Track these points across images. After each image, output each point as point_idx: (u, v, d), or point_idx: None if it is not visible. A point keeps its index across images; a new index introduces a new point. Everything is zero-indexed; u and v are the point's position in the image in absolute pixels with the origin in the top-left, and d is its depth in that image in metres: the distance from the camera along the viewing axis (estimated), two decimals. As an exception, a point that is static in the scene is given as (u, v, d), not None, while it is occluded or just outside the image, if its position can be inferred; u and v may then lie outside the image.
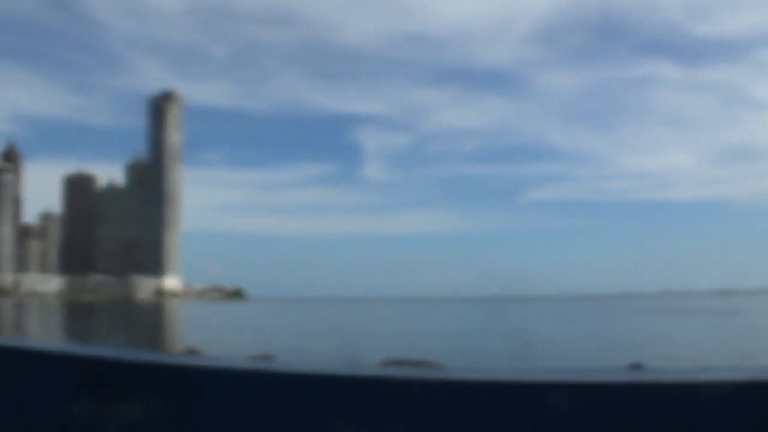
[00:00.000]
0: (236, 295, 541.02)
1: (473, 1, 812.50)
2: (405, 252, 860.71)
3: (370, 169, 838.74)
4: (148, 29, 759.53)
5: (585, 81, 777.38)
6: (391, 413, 5.61)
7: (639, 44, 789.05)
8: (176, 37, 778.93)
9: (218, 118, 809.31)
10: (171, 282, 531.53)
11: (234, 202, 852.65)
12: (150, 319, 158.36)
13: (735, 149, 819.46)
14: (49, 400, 7.97)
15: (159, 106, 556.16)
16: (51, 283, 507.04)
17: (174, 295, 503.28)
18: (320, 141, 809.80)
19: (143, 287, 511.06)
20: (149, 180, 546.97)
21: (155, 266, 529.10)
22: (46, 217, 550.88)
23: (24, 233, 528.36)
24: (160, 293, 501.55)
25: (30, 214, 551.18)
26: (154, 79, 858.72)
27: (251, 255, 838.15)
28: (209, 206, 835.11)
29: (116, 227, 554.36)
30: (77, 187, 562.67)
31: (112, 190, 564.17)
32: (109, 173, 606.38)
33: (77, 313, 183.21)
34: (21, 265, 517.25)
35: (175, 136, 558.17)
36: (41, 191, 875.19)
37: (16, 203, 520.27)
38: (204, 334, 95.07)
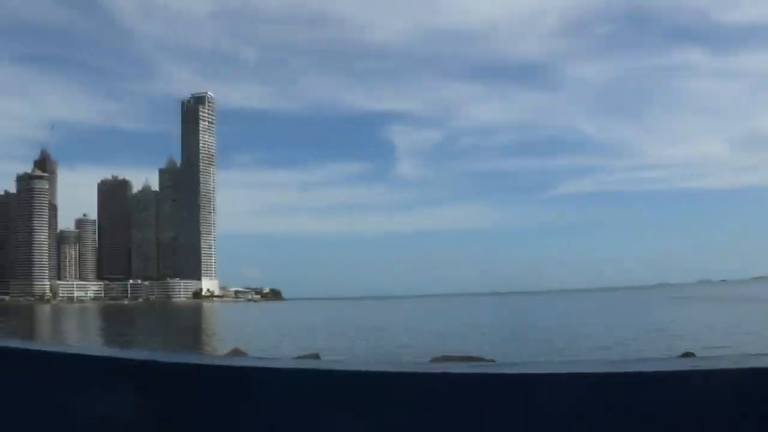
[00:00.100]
0: (273, 295, 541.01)
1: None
2: (439, 248, 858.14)
3: (403, 166, 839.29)
4: (178, 34, 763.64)
5: (615, 71, 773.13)
6: (445, 409, 5.40)
7: (668, 33, 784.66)
8: (205, 40, 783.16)
9: (250, 120, 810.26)
10: (208, 284, 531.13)
11: (268, 203, 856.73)
12: (189, 322, 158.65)
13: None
14: (96, 404, 8.60)
15: (191, 110, 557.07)
16: (88, 289, 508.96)
17: (211, 297, 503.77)
18: (352, 140, 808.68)
19: (180, 290, 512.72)
20: (184, 183, 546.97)
21: (192, 269, 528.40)
22: (81, 224, 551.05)
23: (60, 240, 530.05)
24: (198, 296, 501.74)
25: (66, 221, 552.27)
26: (185, 83, 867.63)
27: (287, 256, 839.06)
28: (244, 208, 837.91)
29: (152, 231, 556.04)
30: (112, 193, 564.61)
31: (146, 195, 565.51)
32: (144, 178, 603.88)
33: (116, 318, 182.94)
34: (58, 271, 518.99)
35: (208, 139, 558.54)
36: (76, 198, 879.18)
37: (52, 210, 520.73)
38: (245, 335, 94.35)
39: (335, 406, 5.98)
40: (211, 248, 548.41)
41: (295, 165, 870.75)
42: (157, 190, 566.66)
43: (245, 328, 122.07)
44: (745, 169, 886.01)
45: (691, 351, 38.80)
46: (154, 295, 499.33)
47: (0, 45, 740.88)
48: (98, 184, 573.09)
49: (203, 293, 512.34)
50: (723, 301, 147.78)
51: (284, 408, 6.25)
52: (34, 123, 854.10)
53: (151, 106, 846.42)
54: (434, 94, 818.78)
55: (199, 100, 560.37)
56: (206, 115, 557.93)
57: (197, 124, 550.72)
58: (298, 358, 30.22)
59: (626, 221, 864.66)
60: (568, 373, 5.26)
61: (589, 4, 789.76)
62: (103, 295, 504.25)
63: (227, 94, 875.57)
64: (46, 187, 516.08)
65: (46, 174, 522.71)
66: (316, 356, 37.55)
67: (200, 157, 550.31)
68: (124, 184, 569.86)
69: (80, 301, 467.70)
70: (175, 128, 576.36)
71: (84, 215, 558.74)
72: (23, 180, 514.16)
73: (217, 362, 7.38)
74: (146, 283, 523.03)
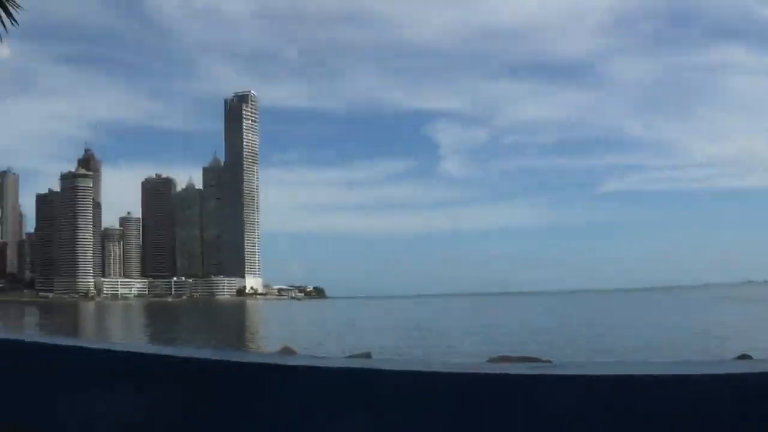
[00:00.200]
0: (316, 293, 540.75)
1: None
2: (484, 247, 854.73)
3: (447, 164, 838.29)
4: (220, 33, 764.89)
5: (658, 69, 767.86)
6: (501, 411, 5.54)
7: (710, 30, 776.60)
8: (248, 39, 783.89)
9: (294, 118, 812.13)
10: (252, 282, 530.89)
11: (312, 201, 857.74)
12: (234, 319, 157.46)
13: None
14: (148, 402, 8.64)
15: (234, 108, 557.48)
16: (132, 286, 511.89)
17: (255, 295, 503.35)
18: (397, 138, 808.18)
19: (224, 288, 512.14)
20: (227, 182, 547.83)
21: (236, 267, 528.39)
22: (126, 221, 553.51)
23: (105, 237, 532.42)
24: (241, 293, 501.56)
25: (110, 219, 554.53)
26: (227, 81, 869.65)
27: (330, 254, 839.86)
28: (288, 206, 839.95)
29: (196, 229, 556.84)
30: (156, 191, 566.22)
31: (190, 193, 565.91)
32: (188, 176, 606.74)
33: (160, 315, 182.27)
34: (102, 269, 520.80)
35: (251, 137, 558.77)
36: (120, 196, 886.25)
37: (96, 208, 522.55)
38: (292, 333, 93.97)
39: (390, 407, 6.27)
40: (254, 246, 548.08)
41: (339, 163, 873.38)
42: (201, 188, 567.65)
43: (291, 326, 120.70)
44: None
45: (747, 353, 35.76)
46: (198, 292, 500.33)
47: (45, 46, 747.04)
48: (142, 183, 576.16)
49: (247, 291, 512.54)
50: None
51: (338, 408, 6.73)
52: (78, 122, 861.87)
53: (195, 105, 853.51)
54: (478, 92, 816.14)
55: (242, 98, 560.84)
56: (249, 113, 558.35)
57: (240, 123, 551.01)
58: (350, 357, 29.64)
59: (669, 220, 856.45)
60: (628, 375, 5.29)
61: (633, 1, 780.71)
62: (147, 292, 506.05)
63: (270, 92, 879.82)
64: (90, 185, 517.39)
65: (90, 172, 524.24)
66: (368, 355, 35.47)
67: (244, 155, 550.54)
68: (168, 183, 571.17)
69: (124, 298, 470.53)
70: (218, 126, 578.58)
71: (128, 213, 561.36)
72: (67, 178, 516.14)
73: (270, 361, 7.98)
74: (190, 280, 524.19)
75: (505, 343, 63.12)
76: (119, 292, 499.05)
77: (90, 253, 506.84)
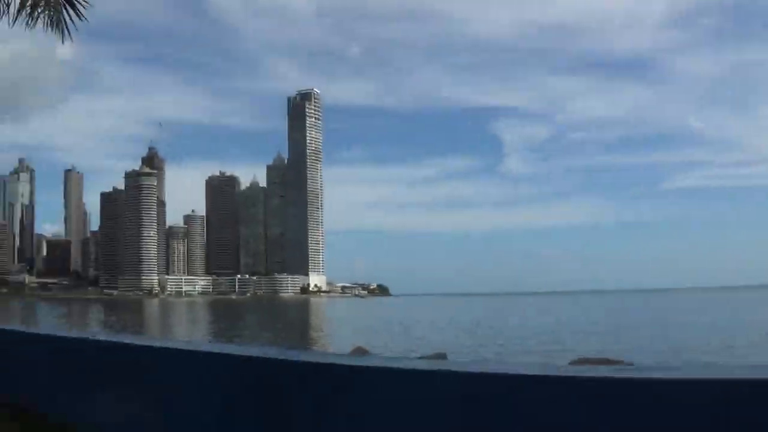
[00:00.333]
0: (380, 291, 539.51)
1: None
2: (547, 244, 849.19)
3: (511, 161, 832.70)
4: (283, 32, 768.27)
5: (722, 64, 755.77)
6: (585, 416, 5.51)
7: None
8: (310, 37, 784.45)
9: (357, 115, 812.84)
10: (315, 280, 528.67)
11: (375, 199, 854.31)
12: (301, 317, 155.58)
13: None
14: (218, 403, 9.08)
15: (298, 106, 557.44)
16: (196, 283, 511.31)
17: (318, 292, 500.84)
18: (460, 135, 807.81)
19: (288, 285, 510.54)
20: (291, 180, 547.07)
21: (299, 265, 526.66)
22: (190, 219, 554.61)
23: (169, 235, 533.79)
24: (305, 291, 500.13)
25: (174, 217, 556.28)
26: (291, 80, 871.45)
27: (394, 251, 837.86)
28: (351, 204, 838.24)
29: (260, 227, 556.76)
30: (220, 189, 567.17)
31: (254, 191, 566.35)
32: (251, 174, 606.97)
33: (225, 312, 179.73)
34: (167, 266, 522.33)
35: (315, 135, 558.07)
36: (185, 194, 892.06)
37: (160, 206, 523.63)
38: (360, 332, 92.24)
39: (468, 410, 6.27)
40: (318, 244, 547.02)
41: (402, 161, 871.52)
42: (265, 186, 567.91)
43: (358, 324, 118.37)
44: None
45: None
46: (261, 290, 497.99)
47: (110, 46, 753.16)
48: (206, 181, 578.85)
49: (310, 289, 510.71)
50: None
51: (415, 410, 6.76)
52: (143, 121, 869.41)
53: (258, 103, 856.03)
54: (541, 89, 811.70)
55: (305, 96, 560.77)
56: (312, 111, 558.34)
57: (304, 121, 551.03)
58: (424, 358, 29.45)
59: (733, 217, 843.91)
60: (711, 380, 5.21)
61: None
62: (210, 289, 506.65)
63: (333, 90, 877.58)
64: (155, 183, 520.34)
65: (154, 171, 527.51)
66: (443, 356, 35.12)
67: (307, 153, 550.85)
68: (232, 181, 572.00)
69: (188, 295, 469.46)
70: (282, 124, 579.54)
71: (192, 211, 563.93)
72: (132, 177, 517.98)
73: (345, 362, 8.23)
74: (254, 278, 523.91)
75: (579, 343, 62.86)
76: (183, 289, 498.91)
77: (154, 251, 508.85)
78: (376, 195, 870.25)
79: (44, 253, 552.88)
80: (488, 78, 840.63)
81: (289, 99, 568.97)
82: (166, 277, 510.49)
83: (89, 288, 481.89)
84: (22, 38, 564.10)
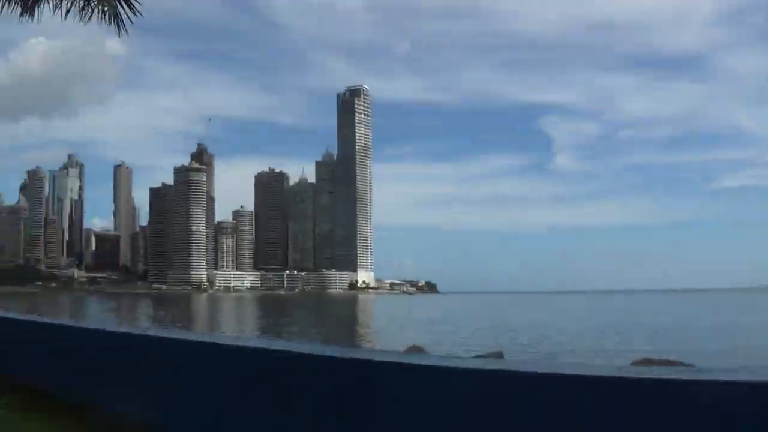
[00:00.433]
0: (428, 288, 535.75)
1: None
2: (596, 243, 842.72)
3: (561, 159, 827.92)
4: (332, 28, 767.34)
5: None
6: (646, 418, 5.47)
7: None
8: (359, 34, 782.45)
9: (406, 112, 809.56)
10: (363, 276, 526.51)
11: (424, 195, 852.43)
12: (350, 314, 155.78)
13: None
14: (276, 401, 9.21)
15: (347, 103, 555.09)
16: (245, 279, 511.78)
17: (366, 289, 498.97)
18: (509, 132, 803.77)
19: (336, 281, 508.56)
20: (340, 176, 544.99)
21: (348, 261, 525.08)
22: (239, 215, 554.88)
23: (218, 231, 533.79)
24: (353, 287, 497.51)
25: (223, 212, 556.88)
26: (339, 76, 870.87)
27: (442, 248, 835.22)
28: (400, 201, 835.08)
29: (308, 223, 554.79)
30: (269, 185, 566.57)
31: (303, 187, 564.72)
32: (300, 170, 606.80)
33: (273, 308, 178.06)
34: (215, 261, 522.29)
35: (364, 131, 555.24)
36: (233, 190, 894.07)
37: (209, 202, 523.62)
38: (411, 329, 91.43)
39: (528, 411, 6.30)
40: (367, 240, 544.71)
41: (451, 157, 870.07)
42: (314, 182, 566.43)
43: (409, 321, 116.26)
44: None
45: None
46: (309, 286, 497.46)
47: (160, 42, 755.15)
48: (255, 176, 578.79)
49: (358, 285, 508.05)
50: None
51: (472, 410, 6.80)
52: (192, 117, 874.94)
53: (307, 100, 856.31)
54: (590, 86, 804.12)
55: (354, 92, 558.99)
56: (362, 107, 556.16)
57: (353, 117, 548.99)
58: (480, 357, 30.26)
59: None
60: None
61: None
62: (259, 285, 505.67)
63: (382, 86, 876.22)
64: (204, 179, 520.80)
65: (203, 166, 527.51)
66: (500, 355, 35.19)
67: (356, 149, 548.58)
68: (281, 177, 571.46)
69: (236, 290, 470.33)
70: (331, 121, 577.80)
71: (241, 207, 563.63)
72: (181, 172, 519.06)
73: (404, 360, 8.46)
74: (302, 273, 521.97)
75: (635, 342, 62.78)
76: (231, 284, 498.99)
77: (203, 246, 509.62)
78: (424, 192, 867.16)
79: (93, 247, 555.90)
80: (537, 75, 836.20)
81: (338, 95, 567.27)
82: (215, 272, 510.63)
83: (138, 283, 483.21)
84: (72, 34, 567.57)
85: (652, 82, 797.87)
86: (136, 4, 11.97)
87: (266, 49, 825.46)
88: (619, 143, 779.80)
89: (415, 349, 38.33)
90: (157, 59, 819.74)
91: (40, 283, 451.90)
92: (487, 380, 6.90)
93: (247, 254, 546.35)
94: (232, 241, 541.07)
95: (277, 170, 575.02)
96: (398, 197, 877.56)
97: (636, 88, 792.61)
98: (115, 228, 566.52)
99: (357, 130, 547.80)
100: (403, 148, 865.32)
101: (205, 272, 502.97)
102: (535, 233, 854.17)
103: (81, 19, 11.89)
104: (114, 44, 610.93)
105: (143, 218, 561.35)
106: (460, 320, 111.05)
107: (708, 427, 5.03)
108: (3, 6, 12.02)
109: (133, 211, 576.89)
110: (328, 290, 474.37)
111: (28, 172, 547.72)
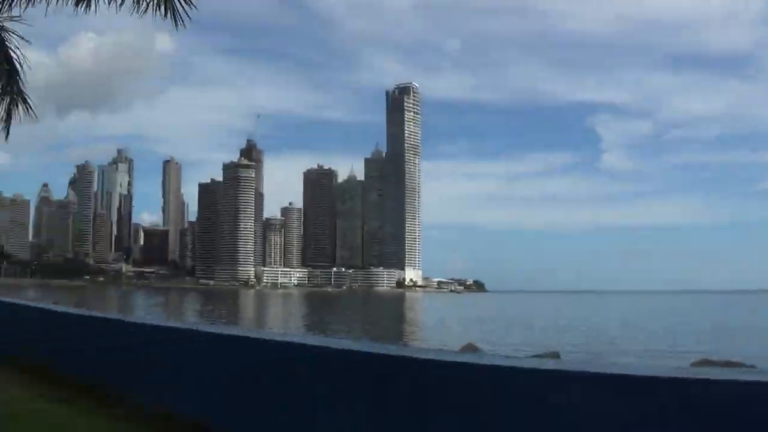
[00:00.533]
0: (476, 287, 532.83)
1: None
2: (646, 243, 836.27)
3: (610, 157, 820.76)
4: (382, 26, 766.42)
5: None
6: (710, 420, 5.43)
7: None
8: (408, 31, 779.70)
9: (455, 110, 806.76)
10: (411, 274, 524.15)
11: (473, 194, 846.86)
12: (399, 312, 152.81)
13: None
14: (332, 399, 9.25)
15: (396, 100, 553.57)
16: (292, 275, 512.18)
17: (414, 287, 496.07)
18: (558, 130, 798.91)
19: (384, 279, 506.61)
20: (389, 173, 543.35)
21: (396, 259, 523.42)
22: (287, 211, 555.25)
23: (266, 227, 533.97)
24: (401, 285, 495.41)
25: (271, 209, 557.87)
26: (389, 73, 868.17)
27: (490, 247, 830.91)
28: (449, 198, 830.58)
29: (357, 220, 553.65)
30: (318, 182, 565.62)
31: (352, 184, 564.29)
32: (348, 167, 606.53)
33: (321, 305, 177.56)
34: (263, 258, 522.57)
35: (413, 129, 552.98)
36: (282, 186, 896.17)
37: (258, 198, 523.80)
38: (462, 327, 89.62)
39: (587, 413, 6.29)
40: (415, 238, 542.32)
41: (499, 156, 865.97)
42: (363, 179, 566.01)
43: (459, 320, 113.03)
44: None
45: None
46: (357, 283, 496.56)
47: (210, 39, 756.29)
48: (304, 173, 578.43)
49: (406, 283, 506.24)
50: None
51: (533, 410, 6.78)
52: (241, 113, 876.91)
53: (356, 97, 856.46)
54: (639, 85, 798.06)
55: (403, 90, 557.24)
56: (411, 105, 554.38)
57: (402, 115, 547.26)
58: (537, 356, 29.42)
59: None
60: None
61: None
62: (306, 281, 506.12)
63: (432, 84, 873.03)
64: (252, 175, 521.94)
65: (252, 163, 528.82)
66: (556, 355, 34.47)
67: (405, 147, 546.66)
68: (330, 174, 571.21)
69: (284, 287, 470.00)
70: (380, 118, 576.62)
71: (290, 203, 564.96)
72: (230, 168, 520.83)
73: (460, 359, 8.48)
74: (350, 271, 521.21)
75: (691, 343, 61.19)
76: (279, 281, 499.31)
77: (251, 242, 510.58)
78: (473, 190, 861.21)
79: (141, 242, 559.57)
80: (586, 73, 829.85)
81: (387, 93, 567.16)
82: (263, 268, 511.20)
83: (186, 278, 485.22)
84: (121, 30, 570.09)
85: (700, 81, 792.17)
86: None
87: (315, 46, 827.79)
88: (670, 142, 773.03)
89: (471, 348, 38.51)
90: (205, 55, 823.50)
91: (88, 277, 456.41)
92: (544, 380, 6.85)
93: (295, 251, 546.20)
94: (280, 238, 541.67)
95: (325, 167, 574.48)
96: (446, 195, 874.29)
97: (685, 87, 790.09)
98: (164, 223, 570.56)
99: (406, 128, 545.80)
100: (452, 146, 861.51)
101: (253, 268, 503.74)
102: (583, 232, 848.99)
103: (136, 11, 11.53)
104: (163, 40, 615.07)
105: (192, 214, 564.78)
106: (510, 319, 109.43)
107: None
108: None
109: (182, 206, 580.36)
110: (376, 288, 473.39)
111: (78, 167, 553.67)
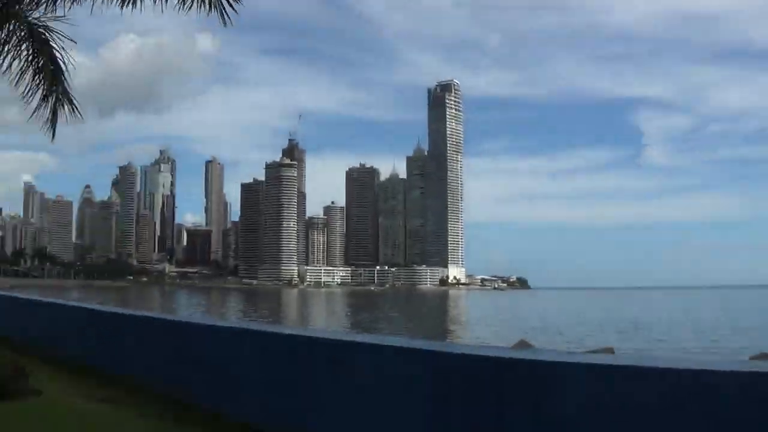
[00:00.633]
0: (519, 284, 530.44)
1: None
2: (690, 238, 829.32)
3: (652, 152, 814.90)
4: (422, 23, 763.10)
5: None
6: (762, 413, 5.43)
7: None
8: (449, 29, 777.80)
9: (497, 107, 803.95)
10: (454, 272, 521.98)
11: (515, 190, 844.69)
12: (446, 310, 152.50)
13: None
14: (396, 393, 9.26)
15: (438, 98, 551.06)
16: (335, 274, 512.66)
17: (457, 284, 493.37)
18: (600, 126, 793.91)
19: (427, 277, 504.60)
20: (431, 171, 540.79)
21: (439, 257, 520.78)
22: (329, 210, 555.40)
23: (309, 226, 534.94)
24: (444, 283, 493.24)
25: (314, 208, 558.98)
26: (430, 71, 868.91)
27: (533, 244, 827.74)
28: (491, 196, 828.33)
29: (399, 219, 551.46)
30: (360, 180, 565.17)
31: (394, 182, 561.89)
32: (391, 165, 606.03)
33: (365, 303, 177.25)
34: (306, 256, 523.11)
35: (455, 126, 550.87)
36: (324, 185, 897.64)
37: (300, 197, 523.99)
38: (510, 324, 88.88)
39: (647, 408, 6.28)
40: (458, 236, 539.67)
41: (542, 152, 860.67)
42: (405, 177, 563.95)
43: (506, 317, 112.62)
44: None
45: None
46: (400, 281, 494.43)
47: (251, 39, 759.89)
48: (346, 172, 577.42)
49: (449, 281, 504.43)
50: None
51: (589, 406, 6.83)
52: (283, 113, 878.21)
53: (398, 95, 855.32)
54: (682, 79, 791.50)
55: (445, 87, 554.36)
56: (452, 102, 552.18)
57: (444, 112, 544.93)
58: (592, 352, 28.55)
59: None
60: None
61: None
62: (349, 280, 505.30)
63: (473, 81, 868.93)
64: (295, 174, 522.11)
65: (294, 162, 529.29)
66: (610, 351, 33.93)
67: (447, 144, 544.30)
68: (372, 172, 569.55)
69: (327, 286, 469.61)
70: (421, 116, 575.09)
71: (332, 202, 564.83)
72: (272, 168, 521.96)
73: (514, 356, 8.42)
74: (393, 269, 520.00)
75: (744, 339, 60.05)
76: (322, 279, 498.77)
77: (294, 242, 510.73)
78: (515, 187, 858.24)
79: (184, 242, 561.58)
80: (628, 68, 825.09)
81: (428, 90, 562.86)
82: (306, 267, 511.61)
83: (229, 278, 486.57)
84: (163, 30, 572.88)
85: (741, 75, 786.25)
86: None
87: (355, 45, 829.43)
88: (712, 137, 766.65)
89: (524, 344, 38.18)
90: (246, 56, 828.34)
91: (131, 277, 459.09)
92: (600, 376, 6.83)
93: (338, 250, 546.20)
94: (323, 237, 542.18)
95: (367, 166, 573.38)
96: (489, 192, 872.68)
97: (728, 81, 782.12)
98: (207, 223, 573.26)
99: (448, 125, 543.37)
100: (494, 142, 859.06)
101: (296, 267, 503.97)
102: (626, 228, 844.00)
103: (181, 8, 12.03)
104: (205, 41, 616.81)
105: (235, 214, 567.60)
106: (557, 316, 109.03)
107: None
108: None
109: (224, 206, 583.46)
110: (419, 286, 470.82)
111: (120, 168, 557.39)
